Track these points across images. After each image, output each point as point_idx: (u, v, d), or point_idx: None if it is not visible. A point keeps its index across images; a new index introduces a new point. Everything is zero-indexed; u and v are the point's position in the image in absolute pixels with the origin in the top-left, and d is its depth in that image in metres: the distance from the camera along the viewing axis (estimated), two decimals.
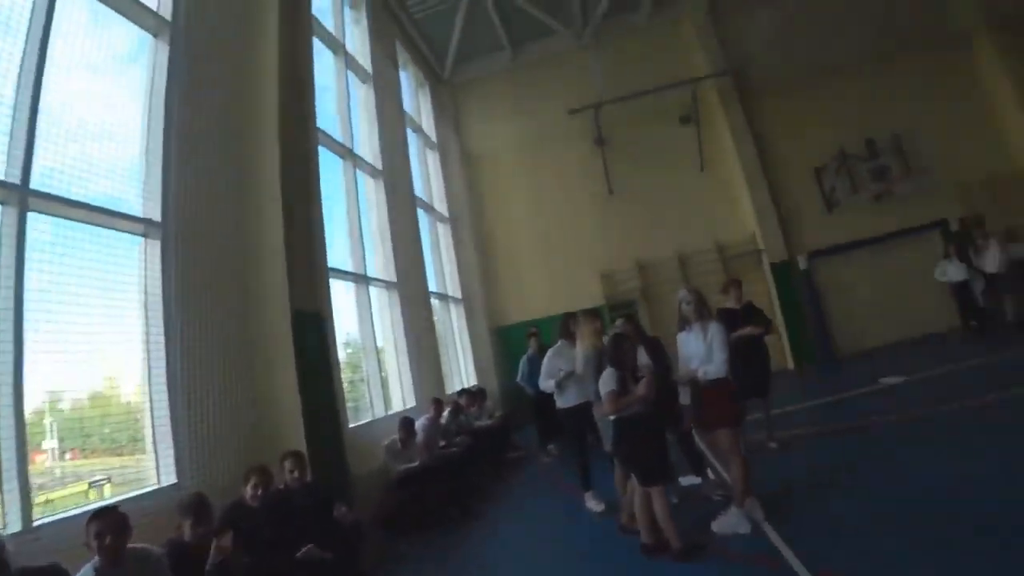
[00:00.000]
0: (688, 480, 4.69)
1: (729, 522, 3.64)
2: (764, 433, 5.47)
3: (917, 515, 3.32)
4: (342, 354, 6.28)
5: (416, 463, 5.64)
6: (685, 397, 4.12)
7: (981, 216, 10.44)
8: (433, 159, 12.22)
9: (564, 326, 5.19)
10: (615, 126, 11.71)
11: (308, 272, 5.33)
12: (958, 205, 10.89)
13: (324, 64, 7.72)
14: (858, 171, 10.97)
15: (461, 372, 10.74)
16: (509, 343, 11.22)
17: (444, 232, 11.69)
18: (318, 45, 7.20)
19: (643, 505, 3.56)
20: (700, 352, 3.82)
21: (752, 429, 5.40)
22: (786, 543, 3.33)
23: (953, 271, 9.86)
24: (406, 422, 6.01)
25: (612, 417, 3.63)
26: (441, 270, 11.12)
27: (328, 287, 5.77)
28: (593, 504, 4.82)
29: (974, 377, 6.72)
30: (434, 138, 12.31)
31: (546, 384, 5.12)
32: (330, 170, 7.15)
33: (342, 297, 6.63)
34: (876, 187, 10.82)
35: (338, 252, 6.83)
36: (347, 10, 9.00)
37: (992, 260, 9.34)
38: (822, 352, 10.60)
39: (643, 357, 4.14)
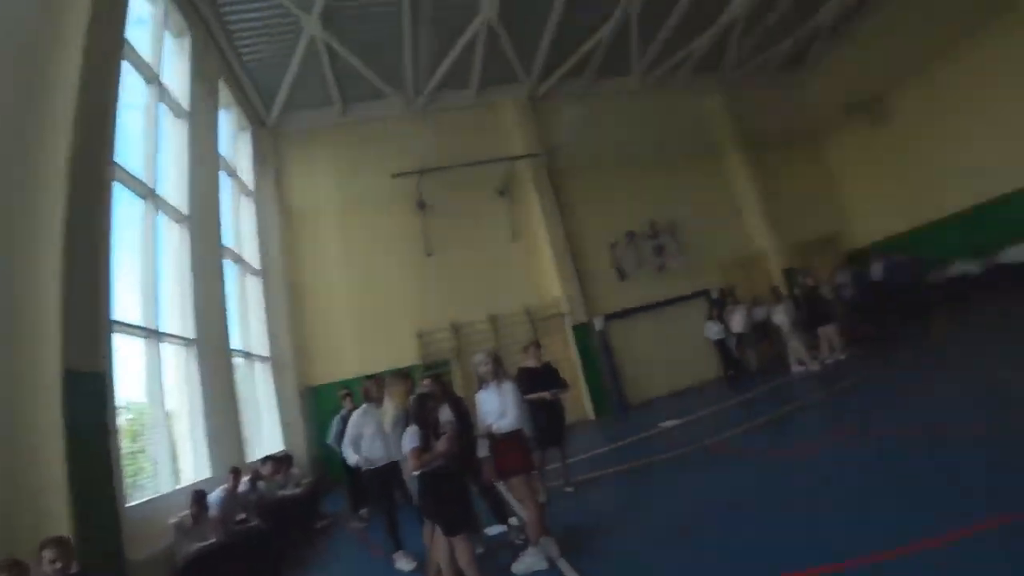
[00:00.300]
0: (493, 530, 4.99)
1: (526, 561, 4.00)
2: (562, 478, 6.04)
3: (693, 538, 3.97)
4: (122, 420, 5.54)
5: (211, 541, 5.11)
6: (484, 450, 4.46)
7: (733, 287, 13.26)
8: (248, 207, 11.57)
9: (366, 390, 5.37)
10: (437, 192, 12.31)
11: (87, 325, 4.71)
12: (718, 278, 13.59)
13: (133, 93, 7.08)
14: (643, 248, 13.26)
15: (265, 437, 9.93)
16: (320, 405, 10.64)
17: (253, 286, 10.97)
18: (128, 70, 6.64)
19: (448, 555, 3.74)
20: (496, 408, 4.28)
21: (553, 475, 5.97)
22: (579, 574, 3.76)
23: (714, 330, 12.12)
24: (198, 495, 5.45)
25: (416, 473, 3.77)
26: (247, 326, 10.35)
27: (110, 343, 5.12)
28: (403, 563, 4.84)
29: (731, 415, 8.28)
30: (251, 185, 11.69)
31: (347, 454, 5.18)
32: (126, 210, 6.48)
33: (127, 355, 5.89)
34: (657, 261, 13.21)
35: (127, 303, 6.11)
36: (168, 38, 8.44)
37: (738, 322, 11.79)
38: (616, 402, 11.98)
39: (447, 415, 4.43)
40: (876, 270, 13.72)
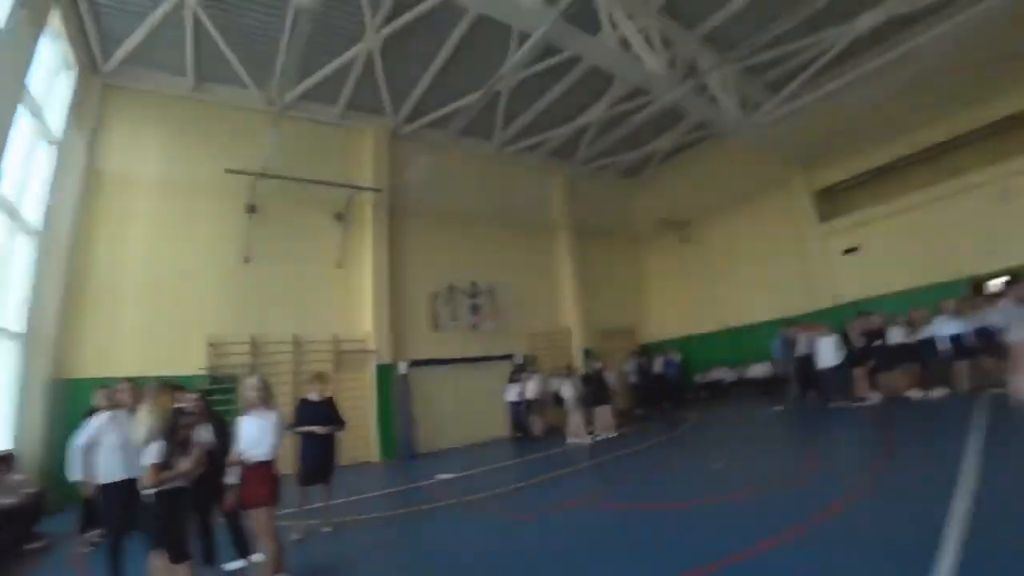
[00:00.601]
0: (233, 564, 4.85)
1: None
2: (321, 518, 6.05)
3: None
4: None
5: None
6: (234, 477, 4.40)
7: (535, 356, 14.47)
8: (47, 157, 10.02)
9: (117, 394, 5.09)
10: (272, 199, 11.82)
11: None
12: (525, 345, 14.70)
13: None
14: (461, 304, 14.05)
15: None
16: (75, 401, 8.78)
17: (25, 247, 9.42)
18: None
19: None
20: (254, 436, 4.29)
21: (314, 514, 5.99)
22: None
23: (513, 393, 13.07)
24: None
25: (152, 490, 3.63)
26: (2, 293, 8.79)
27: None
28: None
29: (502, 475, 8.91)
30: (57, 132, 10.17)
31: (73, 463, 4.83)
32: None
33: None
34: (471, 319, 13.97)
35: None
36: None
37: (532, 388, 12.85)
38: (405, 449, 12.12)
39: (206, 435, 4.35)
40: (658, 364, 16.03)
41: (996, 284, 10.80)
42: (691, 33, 11.75)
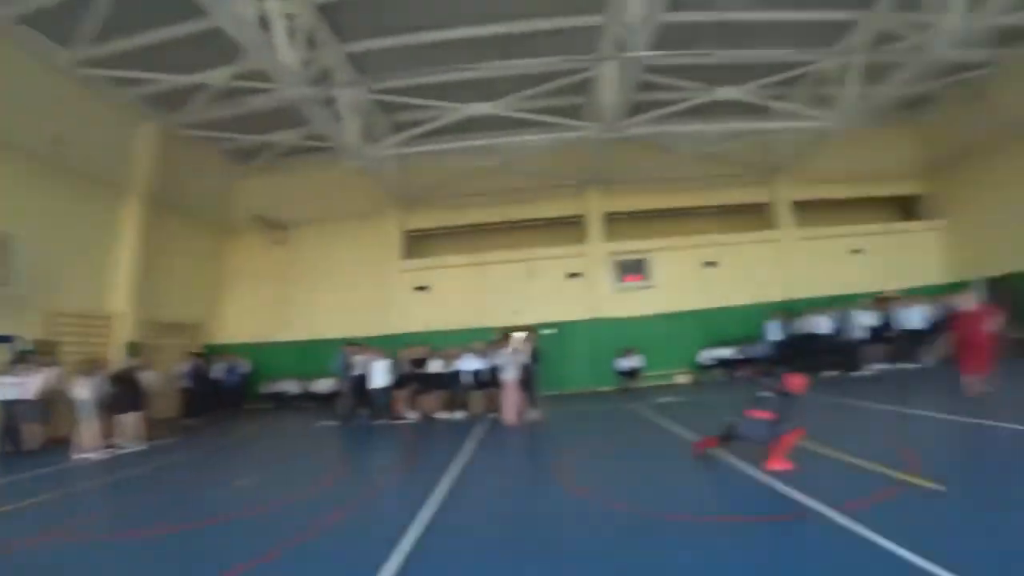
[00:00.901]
0: None
1: None
2: None
3: None
4: None
5: None
6: None
7: (56, 343, 11.24)
8: None
9: None
10: None
11: None
12: (40, 326, 11.20)
13: None
14: None
15: None
16: None
17: None
18: None
19: None
20: None
21: None
22: None
23: (11, 389, 9.68)
24: None
25: None
26: None
27: None
28: None
29: None
30: None
31: None
32: None
33: None
34: None
35: None
36: None
37: (34, 386, 9.81)
38: None
39: None
40: (218, 369, 14.70)
41: (516, 335, 14.02)
42: (339, 46, 11.71)
